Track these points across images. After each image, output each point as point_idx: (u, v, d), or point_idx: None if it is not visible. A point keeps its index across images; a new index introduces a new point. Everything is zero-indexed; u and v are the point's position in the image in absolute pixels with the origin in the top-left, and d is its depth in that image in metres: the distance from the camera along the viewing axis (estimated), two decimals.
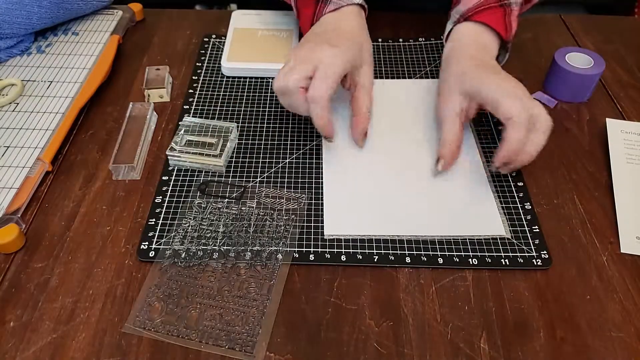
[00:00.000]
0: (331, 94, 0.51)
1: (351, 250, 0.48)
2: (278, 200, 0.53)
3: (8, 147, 0.56)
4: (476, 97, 0.53)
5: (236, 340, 0.42)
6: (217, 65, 0.69)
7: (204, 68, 0.69)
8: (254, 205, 0.52)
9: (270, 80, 0.67)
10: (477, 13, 0.57)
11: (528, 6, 0.63)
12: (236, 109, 0.63)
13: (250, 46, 0.69)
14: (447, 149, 0.54)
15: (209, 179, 0.54)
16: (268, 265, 0.47)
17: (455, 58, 0.56)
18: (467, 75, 0.54)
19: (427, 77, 0.67)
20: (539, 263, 0.48)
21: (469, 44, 0.57)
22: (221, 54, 0.70)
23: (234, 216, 0.51)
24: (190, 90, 0.65)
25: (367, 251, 0.48)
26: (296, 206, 0.52)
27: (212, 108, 0.63)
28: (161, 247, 0.48)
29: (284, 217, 0.51)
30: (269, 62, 0.67)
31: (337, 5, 0.58)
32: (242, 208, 0.52)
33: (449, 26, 0.61)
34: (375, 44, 0.73)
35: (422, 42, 0.73)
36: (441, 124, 0.55)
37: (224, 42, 0.73)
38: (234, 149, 0.58)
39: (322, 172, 0.55)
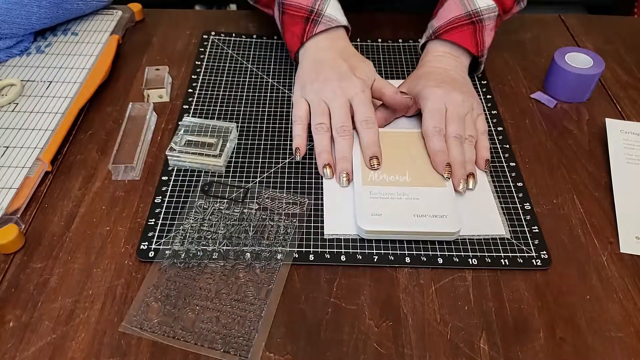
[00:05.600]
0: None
1: (351, 250, 0.48)
2: (278, 202, 0.52)
3: (7, 147, 0.56)
4: (417, 100, 0.59)
5: (231, 344, 0.42)
6: (216, 64, 0.69)
7: (204, 67, 0.69)
8: (255, 207, 0.52)
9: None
10: (447, 32, 0.62)
11: (507, 16, 0.66)
12: (236, 109, 0.63)
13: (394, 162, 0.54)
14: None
15: (208, 179, 0.54)
16: (267, 268, 0.47)
17: (423, 67, 0.63)
18: (420, 80, 0.60)
19: None
20: (538, 263, 0.48)
21: (440, 60, 0.62)
22: (221, 53, 0.70)
23: (234, 218, 0.51)
24: (190, 90, 0.65)
25: (366, 251, 0.48)
26: (297, 209, 0.52)
27: (211, 108, 0.63)
28: (161, 247, 0.48)
29: (285, 220, 0.51)
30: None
31: (327, 26, 0.60)
32: (243, 210, 0.52)
33: (423, 38, 0.66)
34: (375, 44, 0.74)
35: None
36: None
37: (224, 40, 0.73)
38: (234, 149, 0.58)
39: None
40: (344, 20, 0.62)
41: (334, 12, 0.61)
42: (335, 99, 0.56)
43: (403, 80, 0.63)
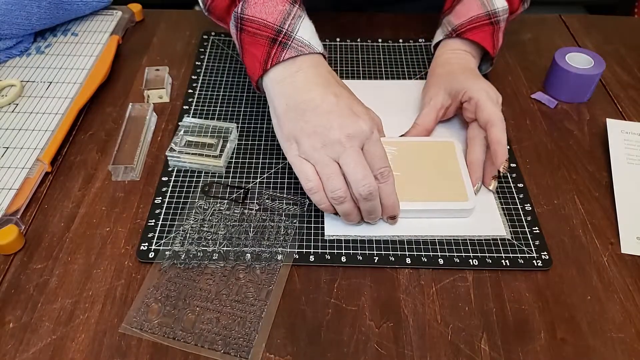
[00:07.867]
0: None
1: (351, 251, 0.48)
2: (279, 203, 0.52)
3: (7, 148, 0.56)
4: (459, 96, 0.56)
5: (232, 345, 0.42)
6: (216, 64, 0.69)
7: (204, 67, 0.69)
8: (255, 208, 0.52)
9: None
10: (469, 30, 0.61)
11: (512, 17, 0.66)
12: (236, 109, 0.63)
13: (415, 175, 0.52)
14: (415, 132, 0.57)
15: (208, 180, 0.54)
16: (268, 269, 0.47)
17: (447, 64, 0.61)
18: (455, 76, 0.58)
19: None
20: (539, 264, 0.48)
21: (459, 57, 0.61)
22: (221, 54, 0.69)
23: (234, 218, 0.51)
24: (190, 91, 0.65)
25: (367, 252, 0.48)
26: (297, 210, 0.52)
27: (211, 108, 0.63)
28: (161, 248, 0.48)
29: (285, 220, 0.51)
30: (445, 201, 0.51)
31: (298, 52, 0.49)
32: (244, 210, 0.52)
33: (439, 36, 0.65)
34: (375, 44, 0.73)
35: (422, 43, 0.73)
36: (420, 112, 0.59)
37: (224, 40, 0.72)
38: (234, 149, 0.58)
39: None
40: (319, 47, 0.51)
41: (307, 35, 0.50)
42: (346, 154, 0.46)
43: (425, 80, 0.62)
